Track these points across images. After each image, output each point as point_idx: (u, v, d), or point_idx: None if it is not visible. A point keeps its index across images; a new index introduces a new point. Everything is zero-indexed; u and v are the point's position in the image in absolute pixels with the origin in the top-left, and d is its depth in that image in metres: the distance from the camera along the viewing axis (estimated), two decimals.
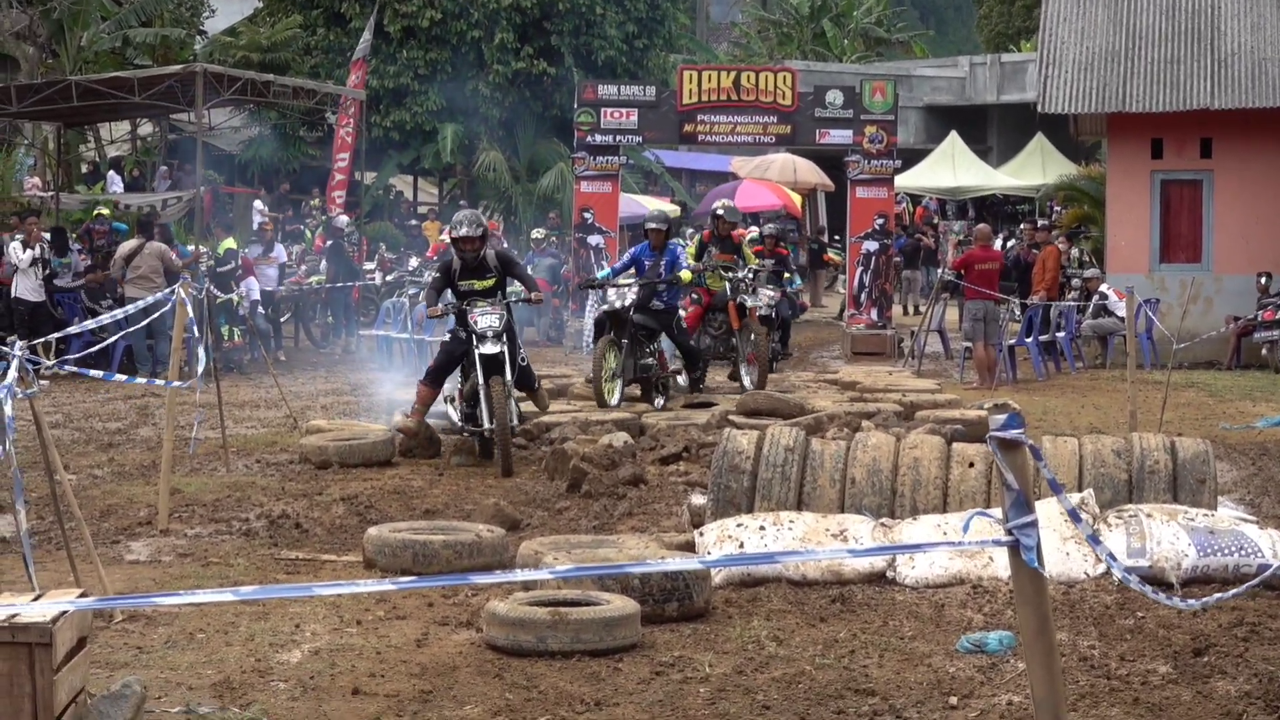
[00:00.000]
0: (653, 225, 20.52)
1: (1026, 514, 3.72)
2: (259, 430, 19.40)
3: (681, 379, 20.45)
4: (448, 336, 17.37)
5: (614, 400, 18.79)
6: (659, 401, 19.47)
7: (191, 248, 28.88)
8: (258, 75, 34.45)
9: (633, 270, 20.14)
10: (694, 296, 22.00)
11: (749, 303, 21.39)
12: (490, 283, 16.59)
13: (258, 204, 38.35)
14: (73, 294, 26.85)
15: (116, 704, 7.78)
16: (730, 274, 21.63)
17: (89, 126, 42.73)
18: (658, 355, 19.84)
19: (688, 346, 20.40)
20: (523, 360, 16.79)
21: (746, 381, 20.92)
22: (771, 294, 22.85)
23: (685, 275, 20.10)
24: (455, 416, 17.04)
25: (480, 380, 15.99)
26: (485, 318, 16.05)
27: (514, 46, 42.50)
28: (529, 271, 20.42)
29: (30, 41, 44.60)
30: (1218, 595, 7.68)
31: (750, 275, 22.01)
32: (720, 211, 22.91)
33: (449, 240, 17.56)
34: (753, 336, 21.18)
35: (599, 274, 21.85)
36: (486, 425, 16.07)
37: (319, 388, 24.31)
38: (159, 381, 14.95)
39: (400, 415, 17.54)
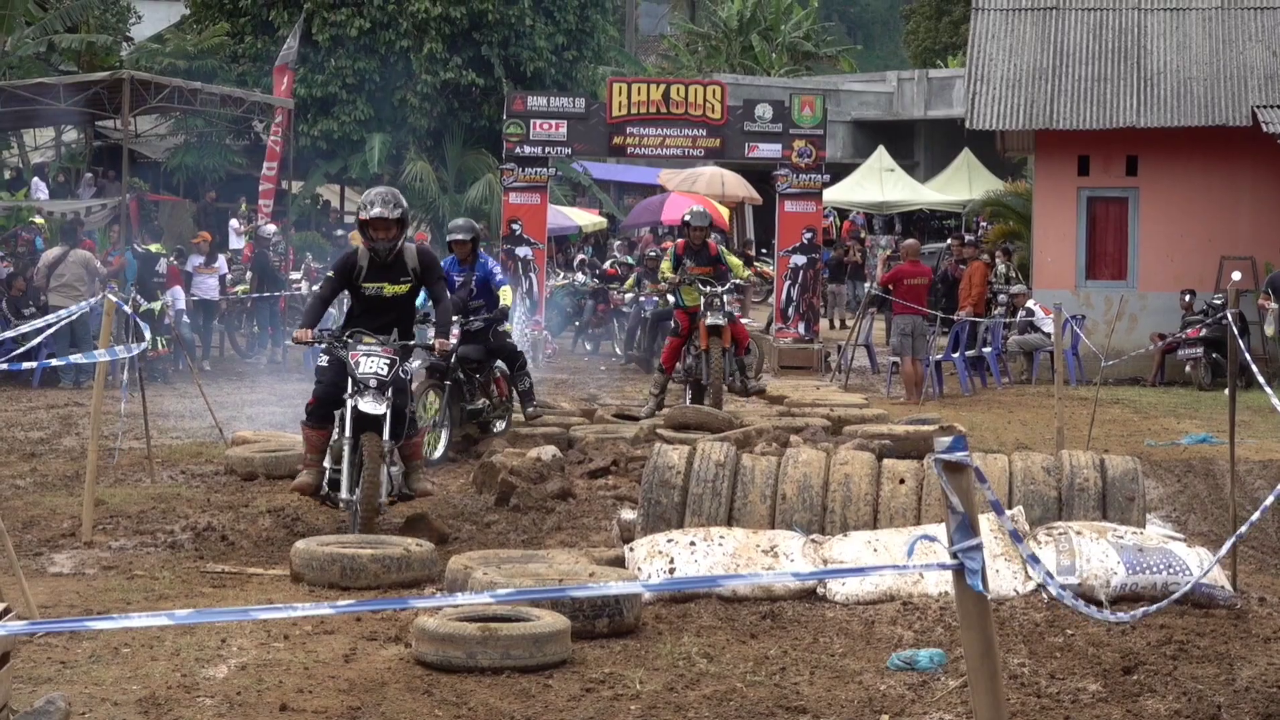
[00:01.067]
0: (456, 237, 17.89)
1: (971, 537, 3.70)
2: (184, 441, 19.24)
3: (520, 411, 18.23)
4: (323, 361, 13.39)
5: (436, 455, 16.72)
6: (499, 426, 17.87)
7: (115, 255, 28.66)
8: (185, 83, 34.41)
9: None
10: (673, 325, 20.26)
11: (709, 320, 19.26)
12: (404, 289, 13.30)
13: (234, 223, 37.82)
14: None
15: None
16: (709, 288, 19.47)
17: (12, 132, 42.36)
18: (493, 383, 17.96)
19: (509, 350, 18.09)
20: (412, 411, 13.56)
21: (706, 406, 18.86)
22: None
23: (505, 296, 17.74)
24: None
25: (347, 437, 12.64)
26: (369, 361, 12.59)
27: (443, 57, 42.37)
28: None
29: None
30: (1146, 609, 7.71)
31: (727, 290, 19.73)
32: (688, 218, 20.68)
33: (357, 224, 13.95)
34: (711, 363, 19.35)
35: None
36: (345, 494, 12.79)
37: (245, 398, 24.14)
38: (82, 360, 14.57)
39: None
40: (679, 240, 20.84)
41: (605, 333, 33.37)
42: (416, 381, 15.98)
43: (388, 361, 12.62)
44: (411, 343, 13.11)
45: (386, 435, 12.59)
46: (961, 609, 3.98)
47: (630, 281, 31.90)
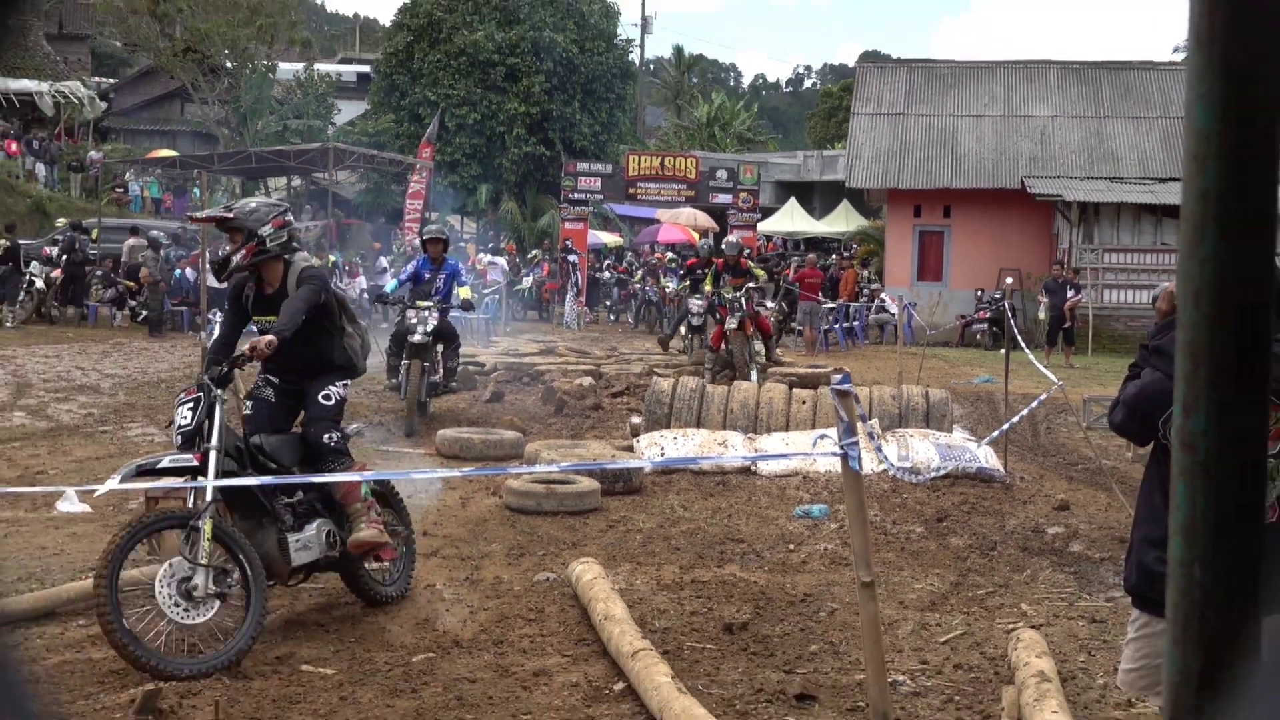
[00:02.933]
0: (429, 236, 13.14)
1: (852, 437, 3.68)
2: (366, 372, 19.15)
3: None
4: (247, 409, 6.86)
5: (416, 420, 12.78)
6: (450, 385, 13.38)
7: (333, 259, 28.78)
8: (366, 150, 34.48)
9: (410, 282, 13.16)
10: (717, 316, 17.16)
11: (727, 325, 16.22)
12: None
13: (488, 256, 35.21)
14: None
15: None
16: (730, 296, 16.39)
17: (260, 179, 42.33)
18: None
19: (450, 333, 13.04)
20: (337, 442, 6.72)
21: (753, 377, 15.58)
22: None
23: (464, 292, 13.10)
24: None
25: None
26: (180, 412, 6.00)
27: (525, 138, 42.41)
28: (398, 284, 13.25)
29: (226, 125, 44.26)
30: (938, 474, 7.68)
31: (744, 296, 16.38)
32: (724, 248, 17.61)
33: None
34: (735, 349, 16.24)
35: (388, 287, 13.83)
36: None
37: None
38: None
39: None
40: (719, 260, 17.49)
41: (625, 308, 33.32)
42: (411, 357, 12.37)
43: (191, 404, 5.98)
44: (223, 368, 6.03)
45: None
46: (845, 481, 3.96)
47: (638, 276, 31.91)
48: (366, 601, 6.81)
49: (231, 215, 6.49)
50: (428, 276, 12.91)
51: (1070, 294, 24.60)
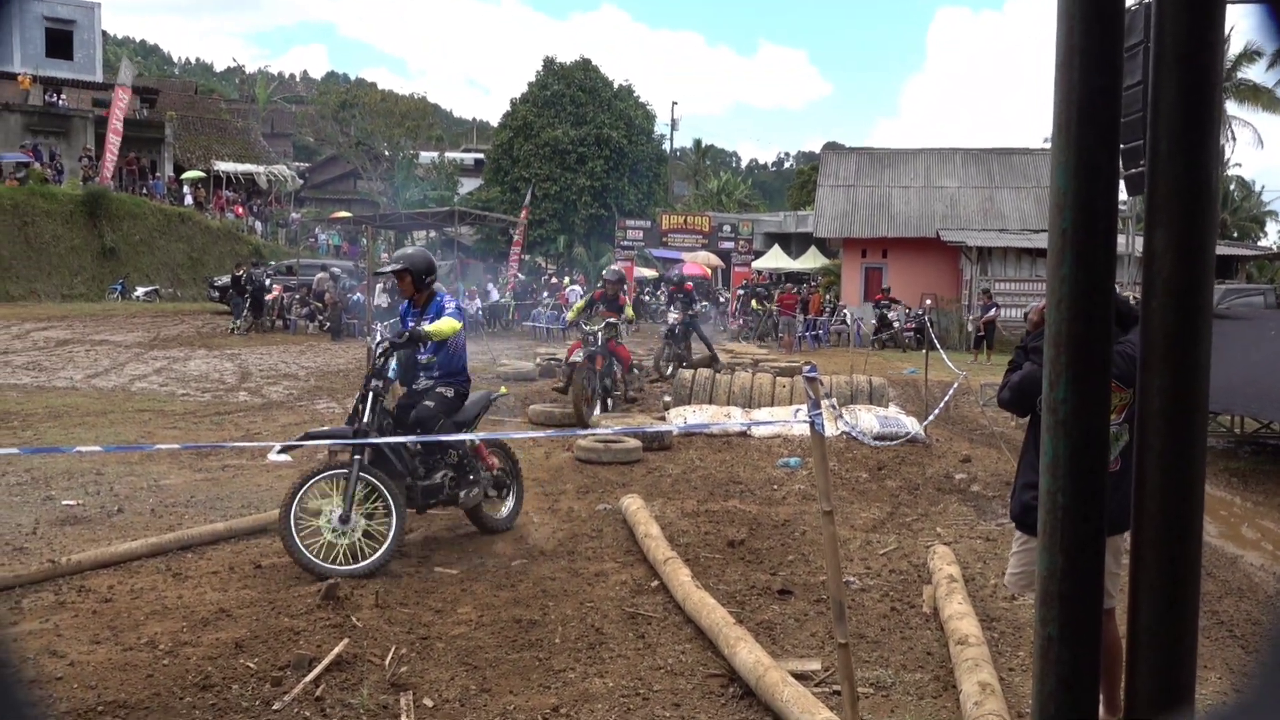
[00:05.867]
0: (393, 268, 6.30)
1: (818, 410, 3.65)
2: (482, 361, 19.02)
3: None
4: None
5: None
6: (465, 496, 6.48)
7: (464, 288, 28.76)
8: (480, 211, 34.44)
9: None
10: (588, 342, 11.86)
11: (577, 357, 11.86)
12: None
13: (570, 285, 32.96)
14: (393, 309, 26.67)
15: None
16: (593, 328, 11.75)
17: (408, 232, 42.59)
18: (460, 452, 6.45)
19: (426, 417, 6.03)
20: None
21: (595, 411, 11.35)
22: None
23: (445, 326, 6.12)
24: None
25: None
26: None
27: (590, 203, 42.25)
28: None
29: (384, 195, 44.51)
30: (886, 442, 7.58)
31: (601, 328, 11.79)
32: (605, 275, 12.64)
33: None
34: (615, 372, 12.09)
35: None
36: None
37: (502, 346, 23.90)
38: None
39: None
40: (596, 291, 12.65)
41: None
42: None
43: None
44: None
45: None
46: (813, 441, 3.93)
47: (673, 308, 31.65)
48: (482, 530, 6.58)
49: None
50: (411, 324, 6.30)
51: (991, 312, 25.10)
